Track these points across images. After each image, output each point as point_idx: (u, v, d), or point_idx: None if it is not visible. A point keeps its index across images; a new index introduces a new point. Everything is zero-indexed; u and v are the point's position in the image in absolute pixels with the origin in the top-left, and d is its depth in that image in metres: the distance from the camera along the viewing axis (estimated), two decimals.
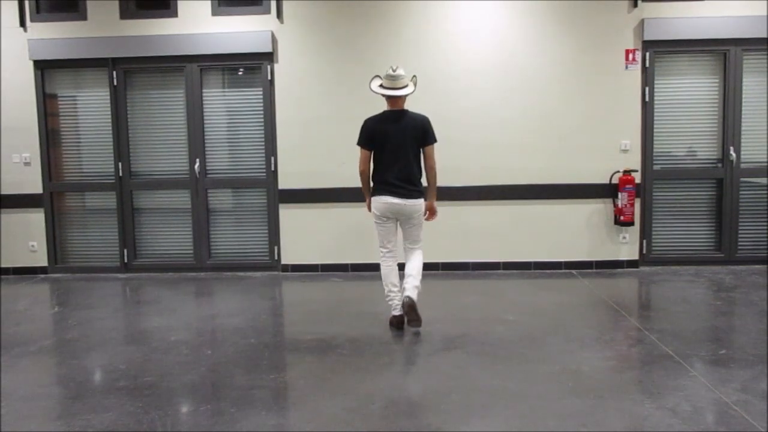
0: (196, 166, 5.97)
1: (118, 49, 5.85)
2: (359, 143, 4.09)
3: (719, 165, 5.80)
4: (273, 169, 5.92)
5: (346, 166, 5.65)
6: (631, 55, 5.66)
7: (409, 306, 3.97)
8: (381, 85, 4.06)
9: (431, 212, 4.22)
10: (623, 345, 3.73)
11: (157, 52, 5.82)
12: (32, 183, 6.08)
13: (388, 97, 4.06)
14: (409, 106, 4.17)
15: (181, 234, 6.13)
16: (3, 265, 6.19)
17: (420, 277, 4.11)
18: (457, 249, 5.87)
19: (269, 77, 5.83)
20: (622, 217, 5.64)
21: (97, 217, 6.20)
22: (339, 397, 3.02)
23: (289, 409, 2.96)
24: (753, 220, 5.83)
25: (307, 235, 5.94)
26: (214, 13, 5.81)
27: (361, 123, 4.12)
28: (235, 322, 4.36)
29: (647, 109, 5.73)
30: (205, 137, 5.99)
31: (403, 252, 4.22)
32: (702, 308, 4.55)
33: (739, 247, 5.83)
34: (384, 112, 4.11)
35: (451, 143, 5.45)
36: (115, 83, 5.95)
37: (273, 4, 5.76)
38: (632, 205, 5.61)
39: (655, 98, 5.73)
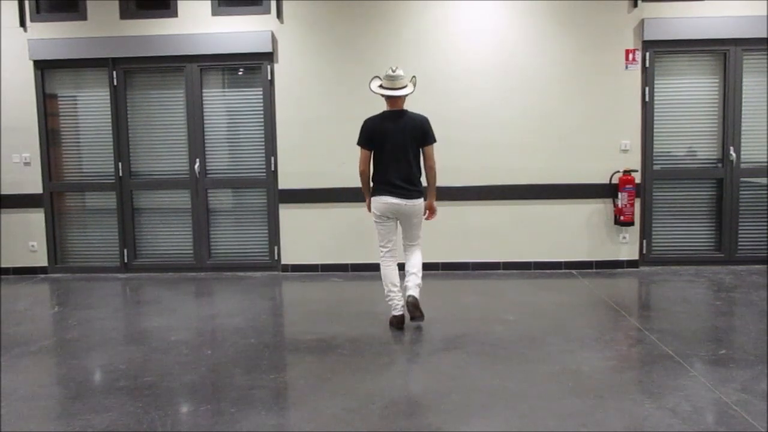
0: (196, 166, 5.97)
1: (118, 49, 5.85)
2: (359, 143, 4.10)
3: (719, 165, 5.80)
4: (273, 169, 5.93)
5: (346, 166, 5.65)
6: (631, 55, 5.66)
7: (413, 305, 4.04)
8: (381, 86, 4.08)
9: (431, 212, 4.25)
10: (623, 345, 3.73)
11: (157, 52, 5.82)
12: (32, 183, 6.08)
13: (388, 98, 4.08)
14: (409, 106, 4.18)
15: (181, 234, 6.13)
16: (3, 265, 6.19)
17: (421, 274, 4.16)
18: (457, 249, 5.87)
19: (269, 77, 5.83)
20: (622, 217, 5.64)
21: (97, 217, 6.20)
22: (339, 397, 3.02)
23: (289, 409, 2.96)
24: (753, 220, 5.83)
25: (307, 235, 5.95)
26: (214, 13, 5.81)
27: (361, 123, 4.13)
28: (235, 322, 4.36)
29: (647, 109, 5.73)
30: (205, 137, 5.99)
31: (403, 250, 4.25)
32: (702, 308, 4.55)
33: (739, 247, 5.83)
34: (384, 113, 4.12)
35: (451, 143, 5.46)
36: (115, 83, 5.95)
37: (273, 4, 5.76)
38: (632, 205, 5.61)
39: (655, 98, 5.73)
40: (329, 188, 5.85)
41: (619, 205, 5.64)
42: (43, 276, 6.15)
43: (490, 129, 5.75)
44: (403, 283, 4.16)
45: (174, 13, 5.83)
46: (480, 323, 4.21)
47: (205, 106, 5.97)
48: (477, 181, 5.79)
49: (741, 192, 5.80)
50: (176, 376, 3.35)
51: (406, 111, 4.10)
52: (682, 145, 5.85)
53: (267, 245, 6.05)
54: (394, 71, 4.04)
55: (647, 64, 5.67)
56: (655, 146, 5.79)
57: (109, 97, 5.98)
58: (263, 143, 5.95)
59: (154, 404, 2.99)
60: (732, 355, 3.49)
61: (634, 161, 5.74)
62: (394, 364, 3.53)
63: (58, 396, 3.14)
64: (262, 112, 5.92)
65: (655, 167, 5.82)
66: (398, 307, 4.10)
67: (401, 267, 4.17)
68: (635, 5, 5.60)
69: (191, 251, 6.10)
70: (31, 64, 5.95)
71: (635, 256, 5.85)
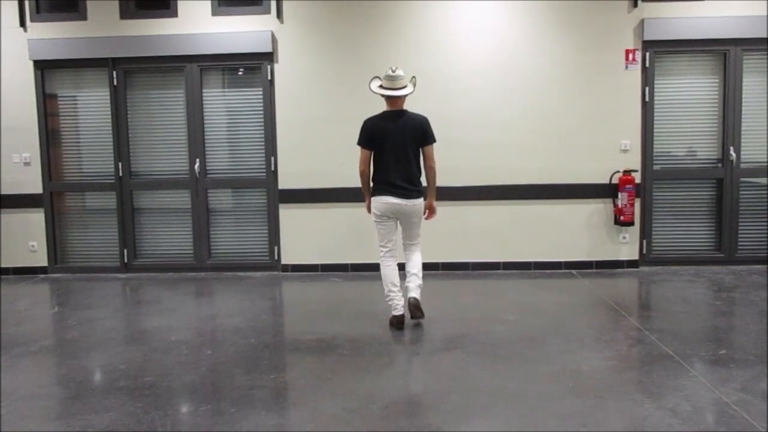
0: (196, 166, 5.97)
1: (118, 49, 5.85)
2: (359, 143, 4.11)
3: (719, 165, 5.80)
4: (273, 169, 5.93)
5: (346, 166, 5.65)
6: (631, 55, 5.66)
7: (414, 306, 4.09)
8: (380, 86, 4.10)
9: (431, 211, 4.27)
10: (623, 345, 3.73)
11: (157, 52, 5.82)
12: (32, 183, 6.08)
13: (388, 98, 4.09)
14: (409, 106, 4.19)
15: (181, 234, 6.13)
16: (3, 265, 6.19)
17: (421, 274, 4.19)
18: (457, 249, 5.87)
19: (269, 77, 5.83)
20: (622, 217, 5.64)
21: (97, 217, 6.20)
22: (339, 397, 3.02)
23: (289, 409, 2.96)
24: (753, 220, 5.83)
25: (307, 235, 5.95)
26: (214, 13, 5.81)
27: (361, 123, 4.13)
28: (235, 322, 4.36)
29: (647, 109, 5.73)
30: (205, 137, 5.99)
31: (403, 249, 4.27)
32: (702, 308, 4.55)
33: (739, 247, 5.83)
34: (384, 113, 4.13)
35: (451, 143, 5.46)
36: (115, 83, 5.95)
37: (273, 4, 5.76)
38: (632, 205, 5.61)
39: (655, 98, 5.73)
40: (329, 188, 5.85)
41: (619, 205, 5.64)
42: (43, 276, 6.15)
43: (490, 129, 5.75)
44: (404, 283, 4.19)
45: (174, 13, 5.83)
46: (480, 323, 4.21)
47: (205, 106, 5.97)
48: (477, 181, 5.79)
49: (741, 192, 5.80)
50: (176, 376, 3.35)
51: (406, 111, 4.11)
52: (682, 145, 5.85)
53: (267, 245, 6.05)
54: (394, 71, 4.05)
55: (647, 64, 5.67)
56: (655, 146, 5.79)
57: (109, 97, 5.98)
58: (263, 143, 5.95)
59: (154, 404, 2.99)
60: (732, 355, 3.49)
61: (634, 161, 5.74)
62: (394, 364, 3.53)
63: (58, 396, 3.14)
64: (262, 112, 5.92)
65: (655, 167, 5.82)
66: (398, 307, 4.11)
67: (401, 267, 4.19)
68: (635, 5, 5.60)
69: (191, 251, 6.10)
70: (31, 64, 5.95)
71: (635, 256, 5.85)
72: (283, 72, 5.83)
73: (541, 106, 5.73)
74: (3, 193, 6.09)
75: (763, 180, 5.80)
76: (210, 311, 4.73)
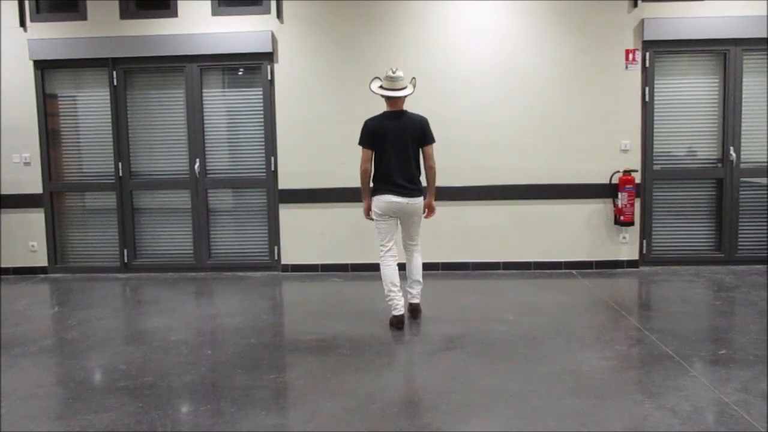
0: (196, 166, 5.97)
1: (118, 49, 5.85)
2: (360, 143, 4.13)
3: (719, 165, 5.80)
4: (273, 169, 5.93)
5: (346, 166, 5.65)
6: (631, 55, 5.66)
7: (416, 311, 4.28)
8: (381, 86, 4.14)
9: (430, 210, 4.31)
10: (623, 345, 3.73)
11: (157, 52, 5.82)
12: (32, 183, 6.08)
13: (388, 98, 4.13)
14: (409, 106, 4.20)
15: (181, 234, 6.13)
16: (3, 265, 6.19)
17: (422, 279, 4.35)
18: (457, 249, 5.87)
19: (269, 77, 5.83)
20: (622, 217, 5.64)
21: (97, 217, 6.20)
22: (339, 397, 3.02)
23: (289, 409, 2.96)
24: (753, 220, 5.83)
25: (307, 235, 5.95)
26: (214, 13, 5.81)
27: (361, 123, 4.15)
28: (235, 322, 4.36)
29: (647, 109, 5.73)
30: (205, 137, 5.99)
31: (403, 249, 4.32)
32: (702, 308, 4.55)
33: (739, 247, 5.83)
34: (384, 113, 4.17)
35: (450, 143, 5.46)
36: (115, 83, 5.95)
37: (273, 4, 5.76)
38: (632, 205, 5.61)
39: (655, 98, 5.73)
40: (329, 188, 5.85)
41: (619, 205, 5.64)
42: (43, 276, 6.15)
43: (490, 129, 5.75)
44: (406, 287, 4.27)
45: (174, 13, 5.83)
46: (480, 323, 4.21)
47: (205, 106, 5.97)
48: (477, 181, 5.79)
49: (741, 192, 5.80)
50: (176, 376, 3.35)
51: (406, 111, 4.15)
52: (682, 145, 5.85)
53: (267, 245, 6.05)
54: (394, 72, 4.09)
55: (647, 64, 5.67)
56: (655, 146, 5.79)
57: (109, 97, 5.98)
58: (263, 143, 5.95)
59: (154, 404, 2.99)
60: (732, 355, 3.49)
61: (634, 161, 5.74)
62: (394, 364, 3.53)
63: (58, 396, 3.14)
64: (262, 112, 5.92)
65: (655, 167, 5.82)
66: (398, 307, 4.12)
67: (401, 267, 4.22)
68: (635, 5, 5.60)
69: (191, 251, 6.10)
70: (31, 64, 5.95)
71: (635, 256, 5.84)
72: (283, 72, 5.83)
73: (541, 106, 5.73)
74: (3, 193, 6.09)
75: (763, 180, 5.80)
76: (210, 311, 4.73)
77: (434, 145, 4.17)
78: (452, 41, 5.71)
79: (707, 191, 5.87)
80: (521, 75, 5.72)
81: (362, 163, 4.12)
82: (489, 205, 5.83)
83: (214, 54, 5.81)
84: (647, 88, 5.69)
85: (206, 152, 6.01)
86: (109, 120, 6.00)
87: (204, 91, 5.95)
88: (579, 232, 5.84)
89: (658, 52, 5.68)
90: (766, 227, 5.82)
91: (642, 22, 5.60)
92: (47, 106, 6.04)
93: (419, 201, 4.15)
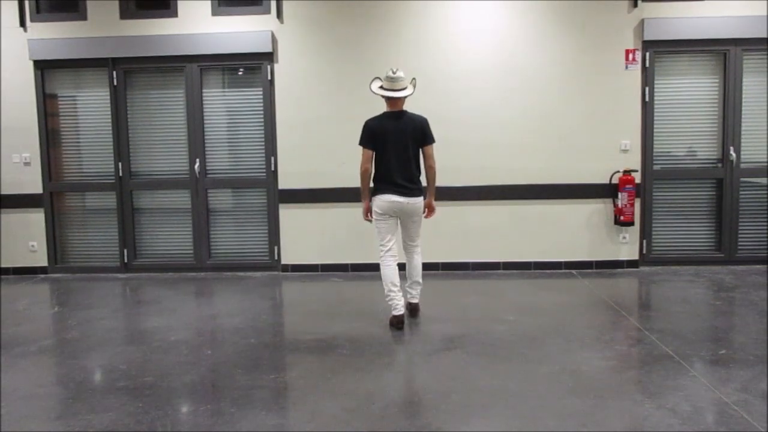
0: (196, 166, 5.97)
1: (118, 49, 5.85)
2: (361, 143, 4.13)
3: (719, 165, 5.80)
4: (273, 169, 5.93)
5: (346, 166, 5.65)
6: (631, 55, 5.66)
7: (416, 310, 4.31)
8: (381, 87, 4.15)
9: (430, 209, 4.32)
10: (623, 345, 3.73)
11: (157, 52, 5.82)
12: (32, 183, 6.08)
13: (388, 99, 4.13)
14: (409, 106, 4.21)
15: (181, 234, 6.13)
16: (3, 265, 6.19)
17: (421, 279, 4.37)
18: (457, 249, 5.87)
19: (269, 77, 5.83)
20: (622, 217, 5.64)
21: (97, 217, 6.20)
22: (339, 397, 3.02)
23: (289, 409, 2.96)
24: (753, 220, 5.83)
25: (307, 235, 5.95)
26: (214, 13, 5.81)
27: (361, 123, 4.15)
28: (235, 322, 4.36)
29: (647, 109, 5.73)
30: (205, 137, 5.99)
31: (403, 249, 4.34)
32: (702, 308, 4.55)
33: (739, 247, 5.83)
34: (384, 113, 4.18)
35: (450, 143, 5.46)
36: (115, 83, 5.95)
37: (273, 4, 5.76)
38: (632, 205, 5.61)
39: (655, 98, 5.73)
40: (329, 188, 5.85)
41: (619, 205, 5.64)
42: (43, 276, 6.15)
43: (490, 129, 5.75)
44: (405, 287, 4.28)
45: (174, 13, 5.83)
46: (480, 323, 4.21)
47: (205, 106, 5.97)
48: (477, 181, 5.79)
49: (741, 192, 5.80)
50: (176, 376, 3.35)
51: (406, 112, 4.15)
52: (682, 145, 5.85)
53: (267, 245, 6.05)
54: (394, 73, 4.09)
55: (647, 64, 5.67)
56: (655, 146, 5.79)
57: (109, 97, 5.98)
58: (263, 143, 5.95)
59: (154, 404, 2.99)
60: (732, 355, 3.49)
61: (634, 161, 5.74)
62: (394, 364, 3.53)
63: (58, 396, 3.14)
64: (262, 112, 5.92)
65: (655, 167, 5.82)
66: (398, 306, 4.12)
67: (401, 267, 4.22)
68: (635, 5, 5.60)
69: (191, 251, 6.10)
70: (31, 64, 5.95)
71: (635, 256, 5.85)
72: (283, 72, 5.83)
73: (541, 106, 5.73)
74: (3, 193, 6.09)
75: (763, 180, 5.80)
76: (210, 311, 4.73)
77: (434, 145, 4.18)
78: (452, 41, 5.72)
79: (707, 191, 5.87)
80: (521, 75, 5.72)
81: (363, 164, 4.12)
82: (489, 205, 5.83)
83: (214, 54, 5.81)
84: (647, 88, 5.69)
85: (206, 152, 6.01)
86: (109, 120, 6.00)
87: (204, 91, 5.95)
88: (579, 232, 5.84)
89: (658, 52, 5.68)
90: (766, 227, 5.82)
91: (642, 22, 5.60)
92: (47, 106, 6.04)
93: (419, 201, 4.16)
